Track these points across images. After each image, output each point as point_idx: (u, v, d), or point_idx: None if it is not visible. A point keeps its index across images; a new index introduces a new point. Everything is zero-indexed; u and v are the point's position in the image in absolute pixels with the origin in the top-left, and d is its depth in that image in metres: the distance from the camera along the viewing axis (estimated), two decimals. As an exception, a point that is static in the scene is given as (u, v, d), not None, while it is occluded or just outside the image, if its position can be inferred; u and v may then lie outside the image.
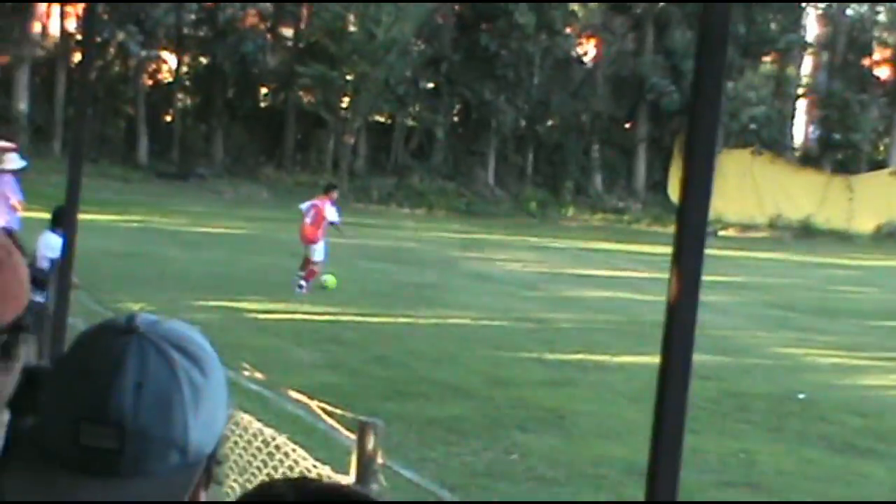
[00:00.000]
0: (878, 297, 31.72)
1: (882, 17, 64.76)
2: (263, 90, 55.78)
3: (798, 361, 20.21)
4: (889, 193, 58.88)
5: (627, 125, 58.97)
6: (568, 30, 57.27)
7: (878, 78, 63.61)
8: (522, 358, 17.94)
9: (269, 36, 54.13)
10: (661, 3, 56.99)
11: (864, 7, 63.63)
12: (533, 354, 18.30)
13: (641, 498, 2.19)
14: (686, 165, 2.23)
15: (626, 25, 58.87)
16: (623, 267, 33.79)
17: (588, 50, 60.08)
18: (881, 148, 65.53)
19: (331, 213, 23.96)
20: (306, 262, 23.71)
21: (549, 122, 56.56)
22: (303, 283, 23.25)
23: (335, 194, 25.35)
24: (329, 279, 23.53)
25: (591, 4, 58.68)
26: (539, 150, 56.09)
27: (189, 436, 1.72)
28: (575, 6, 57.94)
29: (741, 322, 24.35)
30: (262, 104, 55.67)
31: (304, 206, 24.50)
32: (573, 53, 58.64)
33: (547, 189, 54.60)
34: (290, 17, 54.22)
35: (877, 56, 63.90)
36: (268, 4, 54.70)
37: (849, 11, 63.44)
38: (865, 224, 57.83)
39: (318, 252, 23.75)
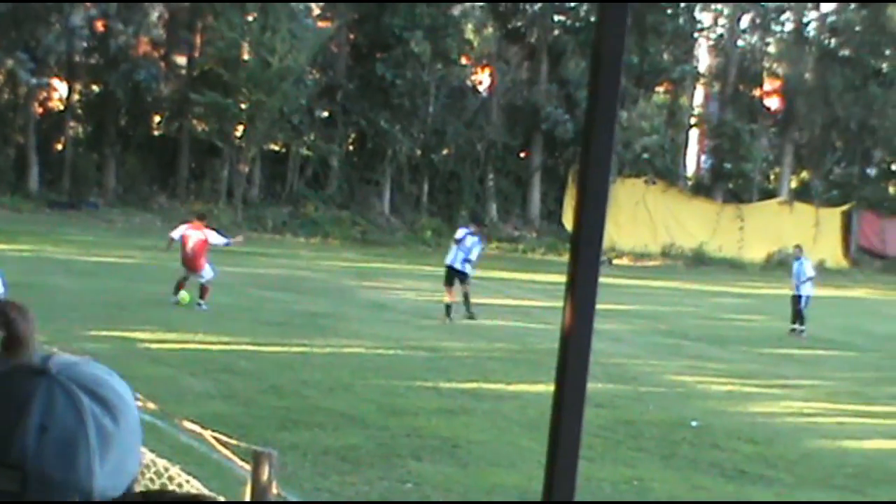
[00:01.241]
0: (768, 324, 32.12)
1: (772, 49, 65.83)
2: (157, 118, 55.30)
3: (691, 389, 20.39)
4: (779, 222, 59.77)
5: (522, 154, 59.22)
6: (463, 59, 57.51)
7: (767, 108, 64.58)
8: (417, 387, 17.92)
9: (162, 64, 53.73)
10: (556, 33, 57.46)
11: (755, 38, 64.63)
12: (428, 383, 18.29)
13: (536, 527, 2.18)
14: (580, 194, 2.24)
15: (520, 55, 59.24)
16: (518, 296, 33.93)
17: (483, 79, 60.35)
18: (771, 177, 66.53)
19: (216, 239, 24.84)
20: (202, 288, 24.66)
21: (445, 151, 56.69)
22: (201, 302, 24.41)
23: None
24: (183, 296, 24.39)
25: (486, 33, 58.96)
26: (434, 178, 56.18)
27: (93, 481, 1.69)
28: (470, 35, 58.22)
29: (635, 350, 24.53)
30: (156, 132, 55.17)
31: (176, 234, 25.13)
32: (468, 83, 58.87)
33: (442, 218, 54.66)
34: (184, 44, 53.91)
35: (766, 87, 64.90)
36: (161, 31, 54.48)
37: (740, 42, 64.39)
38: (756, 252, 58.62)
39: (206, 274, 24.75)
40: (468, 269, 27.21)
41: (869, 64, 61.47)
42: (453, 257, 27.37)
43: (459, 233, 28.22)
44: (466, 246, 27.31)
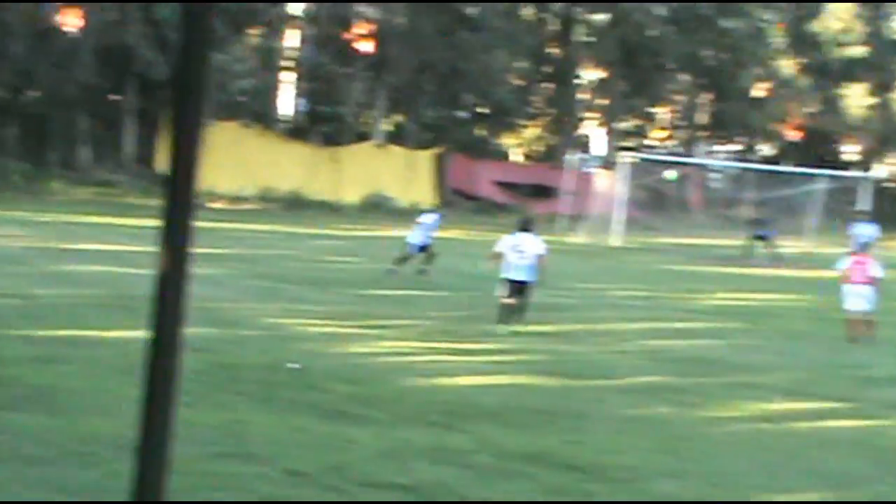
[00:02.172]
0: (364, 266, 32.64)
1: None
2: None
3: (290, 331, 20.52)
4: (374, 165, 60.74)
5: (115, 97, 58.03)
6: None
7: (360, 52, 65.25)
8: (9, 335, 17.40)
9: None
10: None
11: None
12: (20, 332, 17.78)
13: (129, 473, 2.15)
14: (173, 137, 2.20)
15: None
16: (112, 241, 33.34)
17: (72, 20, 58.70)
18: (365, 121, 67.42)
19: None
20: None
21: (34, 94, 54.96)
22: None
23: None
24: None
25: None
26: (23, 121, 54.41)
27: None
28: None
29: (234, 294, 24.50)
30: None
31: None
32: (57, 23, 57.15)
33: (32, 162, 53.05)
34: None
35: (359, 30, 65.53)
36: None
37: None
38: (352, 195, 59.42)
39: None
40: None
41: (458, 9, 62.91)
42: None
43: None
44: None
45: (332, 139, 63.44)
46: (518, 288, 22.77)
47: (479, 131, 68.81)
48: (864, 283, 24.68)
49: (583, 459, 13.06)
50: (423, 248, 31.21)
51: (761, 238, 44.78)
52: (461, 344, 20.51)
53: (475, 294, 27.94)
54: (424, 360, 18.69)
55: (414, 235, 31.40)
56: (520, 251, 22.90)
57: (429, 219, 32.16)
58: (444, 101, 66.39)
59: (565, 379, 17.93)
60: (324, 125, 63.39)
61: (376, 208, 57.05)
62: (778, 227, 46.85)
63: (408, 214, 45.80)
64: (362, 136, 64.44)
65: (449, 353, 19.44)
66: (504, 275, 22.91)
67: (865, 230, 36.39)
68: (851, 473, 13.30)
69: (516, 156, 73.89)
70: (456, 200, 63.40)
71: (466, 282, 30.56)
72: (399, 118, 67.41)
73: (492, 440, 13.68)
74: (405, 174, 60.89)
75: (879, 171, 73.67)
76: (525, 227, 23.52)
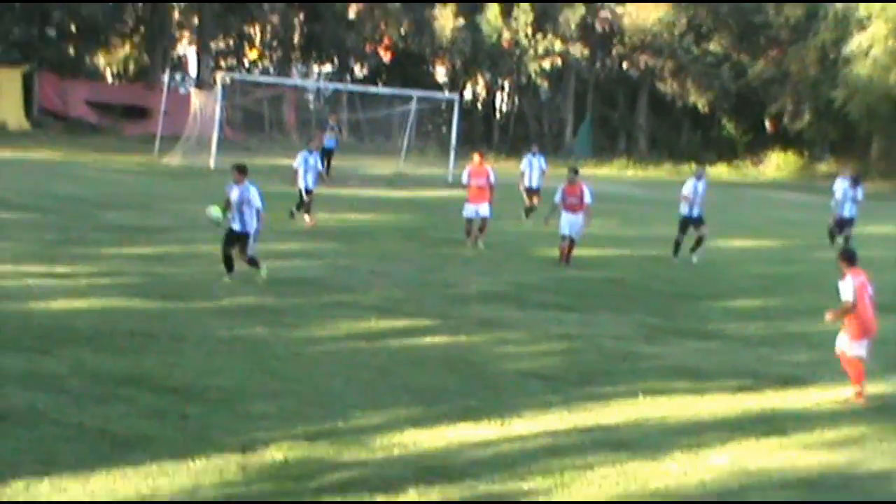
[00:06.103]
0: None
1: None
2: None
3: None
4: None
5: None
6: None
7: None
8: None
9: None
10: None
11: None
12: None
13: None
14: None
15: None
16: None
17: None
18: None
19: None
20: None
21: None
22: None
23: None
24: None
25: None
26: None
27: None
28: None
29: None
30: None
31: None
32: None
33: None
34: None
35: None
36: None
37: None
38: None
39: None
40: None
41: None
42: None
43: None
44: None
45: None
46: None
47: (71, 49, 66.65)
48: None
49: (180, 381, 13.11)
50: None
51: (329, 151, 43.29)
52: (53, 267, 20.10)
53: (66, 216, 27.41)
54: (16, 284, 18.26)
55: None
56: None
57: None
58: (32, 16, 63.98)
59: (162, 301, 17.87)
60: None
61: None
62: (374, 147, 47.13)
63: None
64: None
65: (41, 277, 19.03)
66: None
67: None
68: (442, 388, 13.82)
69: (109, 75, 72.19)
70: (46, 121, 61.38)
71: (59, 203, 29.88)
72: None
73: (87, 364, 13.55)
74: (-9, 93, 58.57)
75: (466, 92, 75.47)
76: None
